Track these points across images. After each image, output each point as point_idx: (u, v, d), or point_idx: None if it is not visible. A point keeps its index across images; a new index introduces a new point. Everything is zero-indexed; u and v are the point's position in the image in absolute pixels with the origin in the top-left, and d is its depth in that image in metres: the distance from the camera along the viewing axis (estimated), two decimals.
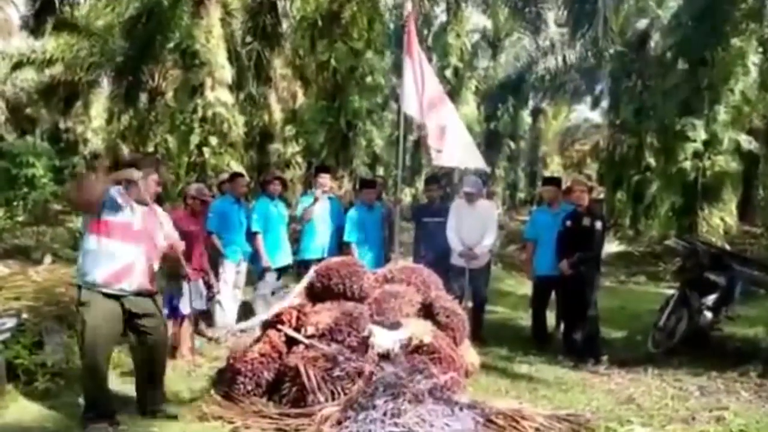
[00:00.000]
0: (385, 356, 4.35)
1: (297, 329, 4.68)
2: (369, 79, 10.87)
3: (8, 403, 4.42)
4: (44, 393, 4.62)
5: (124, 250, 3.98)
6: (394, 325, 4.54)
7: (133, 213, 4.05)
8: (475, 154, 6.90)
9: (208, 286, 5.90)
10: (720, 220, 12.21)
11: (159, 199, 5.52)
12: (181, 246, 4.42)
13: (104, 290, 3.93)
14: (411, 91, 6.42)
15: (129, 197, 4.02)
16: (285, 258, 6.85)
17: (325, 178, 7.03)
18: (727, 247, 10.22)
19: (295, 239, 7.31)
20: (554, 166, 31.62)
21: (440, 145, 6.49)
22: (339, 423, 3.84)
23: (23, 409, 4.36)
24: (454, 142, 6.54)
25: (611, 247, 12.73)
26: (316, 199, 6.80)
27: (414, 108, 6.46)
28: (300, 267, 6.79)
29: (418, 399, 3.91)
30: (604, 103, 20.92)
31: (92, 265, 3.94)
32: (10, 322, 4.91)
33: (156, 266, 4.29)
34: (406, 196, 17.82)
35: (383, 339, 4.39)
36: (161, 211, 4.37)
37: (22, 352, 4.81)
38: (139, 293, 4.05)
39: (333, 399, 4.13)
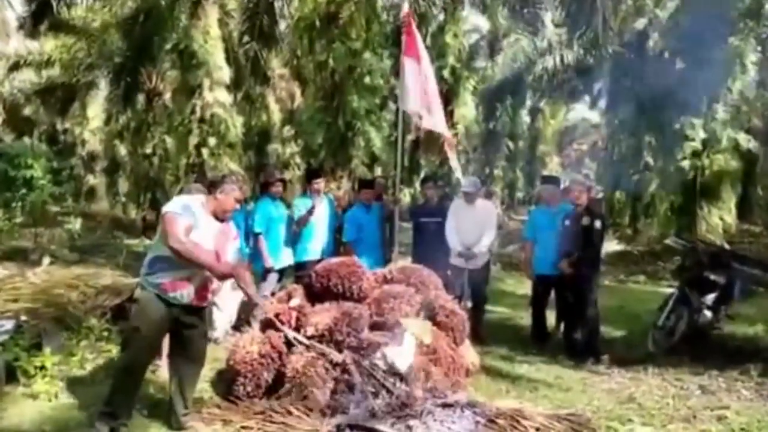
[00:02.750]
0: (396, 373, 4.32)
1: (297, 330, 4.67)
2: (367, 79, 10.84)
3: (7, 405, 4.40)
4: (43, 395, 4.60)
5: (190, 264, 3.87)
6: (398, 335, 4.51)
7: (208, 230, 3.94)
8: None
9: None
10: (719, 219, 12.22)
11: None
12: (243, 272, 4.18)
13: (159, 294, 3.85)
14: (410, 91, 6.43)
15: (208, 213, 3.97)
16: (286, 259, 6.84)
17: (319, 183, 6.99)
18: (726, 245, 10.22)
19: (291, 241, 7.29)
20: (553, 166, 31.67)
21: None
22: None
23: (22, 411, 4.34)
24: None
25: (610, 246, 12.75)
26: (313, 207, 6.77)
27: (413, 106, 6.49)
28: (298, 269, 6.79)
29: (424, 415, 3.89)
30: (603, 103, 20.96)
31: (156, 268, 3.86)
32: (9, 325, 4.90)
33: (215, 285, 4.28)
34: (405, 196, 17.82)
35: (398, 359, 4.35)
36: (234, 231, 4.24)
37: (20, 354, 4.80)
38: (190, 306, 3.96)
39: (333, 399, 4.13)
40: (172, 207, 3.83)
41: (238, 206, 4.14)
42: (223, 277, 4.00)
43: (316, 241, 6.85)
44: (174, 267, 3.83)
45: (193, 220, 3.83)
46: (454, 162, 7.26)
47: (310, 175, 7.37)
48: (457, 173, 7.36)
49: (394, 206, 6.99)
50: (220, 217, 4.02)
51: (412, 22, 6.69)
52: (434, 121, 6.71)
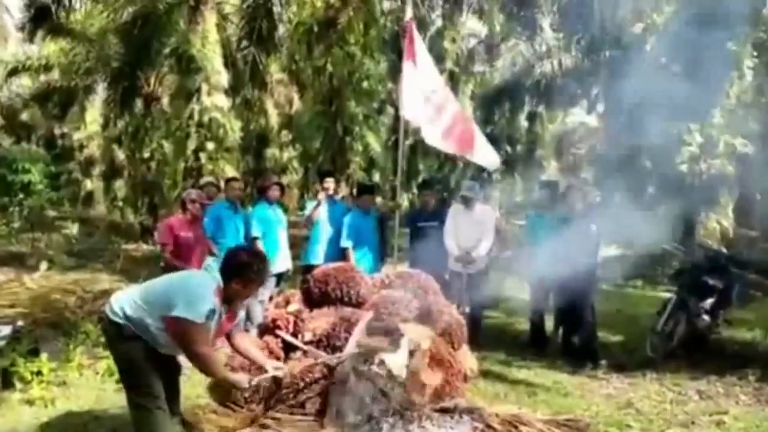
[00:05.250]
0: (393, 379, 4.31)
1: (294, 335, 4.66)
2: (365, 84, 10.88)
3: (4, 411, 4.40)
4: (40, 401, 4.58)
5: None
6: (395, 340, 4.49)
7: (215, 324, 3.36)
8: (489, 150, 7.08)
9: None
10: (717, 224, 12.23)
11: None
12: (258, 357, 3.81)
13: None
14: (410, 98, 6.44)
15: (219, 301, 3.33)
16: (284, 263, 6.84)
17: (329, 183, 7.12)
18: (724, 250, 10.22)
19: (294, 244, 7.31)
20: (551, 170, 31.65)
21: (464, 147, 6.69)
22: None
23: (19, 417, 4.33)
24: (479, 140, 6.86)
25: (608, 250, 12.72)
26: (319, 203, 6.85)
27: (411, 114, 6.49)
28: (305, 272, 6.79)
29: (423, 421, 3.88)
30: (600, 107, 20.96)
31: (148, 337, 3.29)
32: (6, 330, 4.90)
33: None
34: (404, 201, 17.83)
35: (394, 364, 4.34)
36: (237, 316, 3.72)
37: (17, 359, 4.79)
38: None
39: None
40: (196, 315, 3.16)
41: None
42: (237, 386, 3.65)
43: (323, 244, 6.87)
44: (169, 346, 3.35)
45: (213, 323, 3.29)
46: (476, 158, 7.24)
47: (322, 174, 7.42)
48: (486, 164, 7.38)
49: (393, 211, 7.01)
50: (229, 302, 3.42)
51: (414, 30, 6.70)
52: (435, 134, 6.70)
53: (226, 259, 3.41)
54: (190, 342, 3.20)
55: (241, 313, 6.31)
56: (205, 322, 3.19)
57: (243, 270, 3.31)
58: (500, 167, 20.74)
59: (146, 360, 3.31)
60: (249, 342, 3.86)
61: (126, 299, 3.36)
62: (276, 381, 3.94)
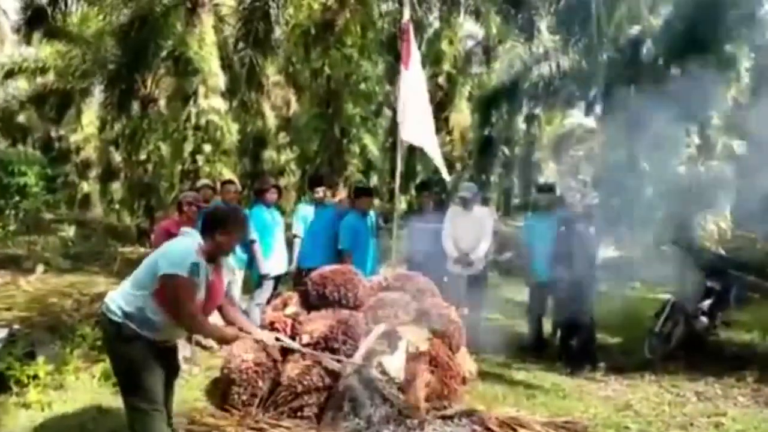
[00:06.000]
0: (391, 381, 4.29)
1: (292, 337, 4.64)
2: (363, 86, 10.88)
3: (0, 414, 4.36)
4: (36, 404, 4.56)
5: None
6: (394, 343, 4.48)
7: (204, 280, 3.33)
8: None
9: None
10: (714, 226, 12.24)
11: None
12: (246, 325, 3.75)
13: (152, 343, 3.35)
14: (409, 113, 6.50)
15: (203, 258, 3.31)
16: (281, 266, 6.82)
17: (320, 192, 7.19)
18: (722, 252, 10.23)
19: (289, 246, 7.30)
20: (549, 172, 31.70)
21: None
22: None
23: (15, 420, 4.30)
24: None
25: (606, 252, 12.73)
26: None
27: (412, 133, 6.57)
28: (301, 275, 6.77)
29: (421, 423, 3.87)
30: (598, 109, 20.99)
31: (147, 328, 3.26)
32: (2, 333, 4.89)
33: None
34: (402, 203, 17.82)
35: (392, 366, 4.33)
36: (229, 270, 3.83)
37: (13, 363, 4.77)
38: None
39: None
40: (180, 269, 3.16)
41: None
42: (231, 343, 3.70)
43: (318, 247, 6.86)
44: (163, 327, 3.30)
45: (199, 279, 3.26)
46: (438, 162, 7.27)
47: (312, 182, 7.40)
48: (443, 174, 7.40)
49: (390, 213, 7.01)
50: (214, 258, 3.41)
51: (410, 32, 6.70)
52: (413, 133, 6.73)
53: (205, 217, 3.51)
54: (179, 302, 3.17)
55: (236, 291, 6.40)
56: (191, 277, 3.17)
57: (223, 221, 3.37)
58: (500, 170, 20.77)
59: (146, 360, 3.28)
60: (241, 315, 3.82)
61: (120, 295, 3.35)
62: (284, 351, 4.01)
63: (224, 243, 3.38)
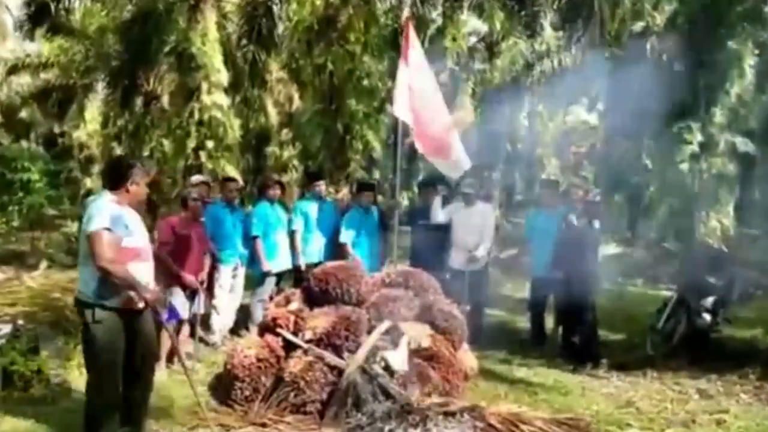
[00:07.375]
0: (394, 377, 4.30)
1: (295, 334, 4.66)
2: (366, 82, 10.85)
3: (4, 410, 4.38)
4: (40, 400, 4.58)
5: (142, 270, 3.69)
6: (396, 339, 4.49)
7: (138, 228, 3.71)
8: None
9: (192, 295, 5.74)
10: (717, 223, 12.20)
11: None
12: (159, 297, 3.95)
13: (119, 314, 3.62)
14: (404, 97, 6.38)
15: (126, 207, 3.69)
16: (284, 262, 6.82)
17: (320, 186, 7.15)
18: (725, 249, 10.22)
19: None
20: (551, 169, 31.64)
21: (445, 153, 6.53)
22: None
23: (19, 416, 4.31)
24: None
25: (609, 249, 12.72)
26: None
27: (406, 113, 6.44)
28: (298, 272, 6.78)
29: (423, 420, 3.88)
30: (600, 106, 20.96)
31: (111, 292, 3.55)
32: (6, 329, 4.90)
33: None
34: (404, 199, 17.79)
35: (396, 361, 4.33)
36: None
37: (17, 358, 4.78)
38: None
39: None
40: (98, 224, 3.47)
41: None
42: (146, 303, 3.66)
43: (315, 244, 6.86)
44: (116, 286, 3.54)
45: (125, 229, 3.57)
46: (443, 167, 7.11)
47: (311, 177, 7.38)
48: (452, 174, 7.26)
49: (392, 210, 6.99)
50: (134, 208, 3.77)
51: (411, 29, 6.66)
52: (420, 136, 6.62)
53: (108, 172, 3.91)
54: (93, 251, 3.44)
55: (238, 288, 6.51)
56: (113, 231, 3.49)
57: (128, 172, 3.72)
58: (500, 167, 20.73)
59: (110, 342, 3.58)
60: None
61: (81, 273, 3.68)
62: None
63: (138, 191, 3.77)
